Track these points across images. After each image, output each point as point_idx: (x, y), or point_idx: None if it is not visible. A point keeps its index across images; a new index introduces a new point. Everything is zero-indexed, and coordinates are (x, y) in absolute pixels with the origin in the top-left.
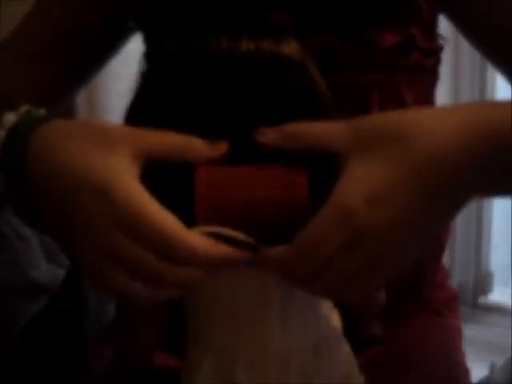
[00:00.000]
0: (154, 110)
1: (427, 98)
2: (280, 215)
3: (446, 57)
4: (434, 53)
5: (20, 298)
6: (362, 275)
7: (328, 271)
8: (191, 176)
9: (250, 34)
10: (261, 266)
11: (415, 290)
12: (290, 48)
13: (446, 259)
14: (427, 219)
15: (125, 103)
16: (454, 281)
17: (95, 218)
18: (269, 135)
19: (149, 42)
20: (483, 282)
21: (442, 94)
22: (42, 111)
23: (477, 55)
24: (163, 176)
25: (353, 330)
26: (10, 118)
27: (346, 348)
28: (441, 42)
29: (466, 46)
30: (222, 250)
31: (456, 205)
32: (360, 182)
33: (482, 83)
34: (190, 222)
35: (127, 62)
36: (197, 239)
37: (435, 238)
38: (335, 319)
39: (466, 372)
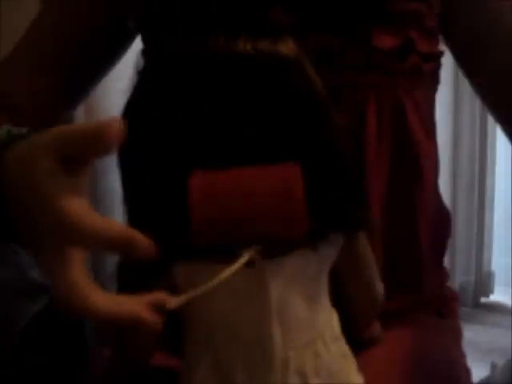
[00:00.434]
0: (151, 108)
1: (427, 103)
2: (277, 219)
3: (447, 60)
4: (434, 57)
5: (20, 298)
6: None
7: None
8: (185, 182)
9: (247, 34)
10: None
11: (415, 290)
12: (287, 47)
13: (446, 260)
14: None
15: (123, 101)
16: (456, 281)
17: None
18: None
19: (147, 40)
20: (484, 283)
21: (443, 97)
22: (24, 130)
23: None
24: (158, 183)
25: (352, 330)
26: None
27: (344, 348)
28: (441, 47)
29: None
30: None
31: None
32: None
33: None
34: (185, 228)
35: (126, 61)
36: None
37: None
38: (334, 319)
39: (466, 372)
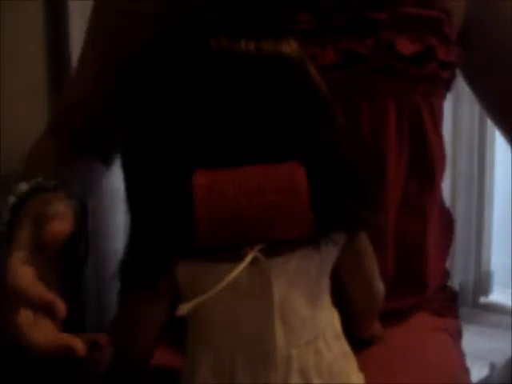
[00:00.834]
0: (155, 108)
1: (440, 109)
2: (281, 219)
3: None
4: (451, 66)
5: None
6: None
7: None
8: (189, 181)
9: (251, 34)
10: None
11: (415, 290)
12: (291, 48)
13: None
14: None
15: None
16: (455, 281)
17: None
18: None
19: None
20: (483, 283)
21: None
22: (52, 182)
23: None
24: (161, 182)
25: (352, 329)
26: (22, 186)
27: (345, 347)
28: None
29: None
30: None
31: None
32: None
33: None
34: (189, 227)
35: None
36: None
37: None
38: (335, 318)
39: (465, 372)
